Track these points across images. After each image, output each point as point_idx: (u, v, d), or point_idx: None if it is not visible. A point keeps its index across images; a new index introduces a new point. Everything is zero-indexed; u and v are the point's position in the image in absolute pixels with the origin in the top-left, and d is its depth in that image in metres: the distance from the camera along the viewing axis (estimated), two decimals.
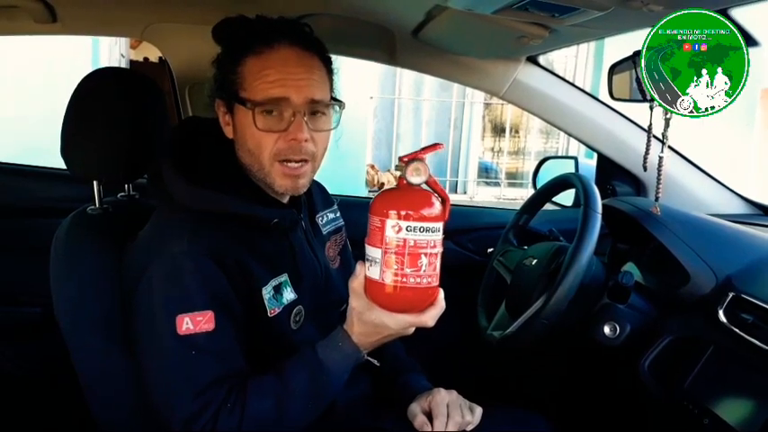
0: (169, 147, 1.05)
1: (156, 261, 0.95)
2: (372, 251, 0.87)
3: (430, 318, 0.91)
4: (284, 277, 1.02)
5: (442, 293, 0.91)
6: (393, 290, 0.86)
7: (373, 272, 0.87)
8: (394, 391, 1.14)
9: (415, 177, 0.86)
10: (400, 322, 0.90)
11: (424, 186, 0.87)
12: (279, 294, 1.01)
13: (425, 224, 0.84)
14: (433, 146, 0.89)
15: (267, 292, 0.99)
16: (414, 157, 0.86)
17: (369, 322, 0.91)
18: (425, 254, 0.84)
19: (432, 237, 0.85)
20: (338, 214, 1.24)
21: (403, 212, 0.84)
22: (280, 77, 0.97)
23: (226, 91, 1.01)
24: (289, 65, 0.98)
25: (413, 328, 0.93)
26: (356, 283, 0.92)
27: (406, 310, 0.89)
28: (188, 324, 0.91)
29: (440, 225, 0.85)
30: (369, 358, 0.99)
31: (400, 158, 0.88)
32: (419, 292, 0.86)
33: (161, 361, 0.94)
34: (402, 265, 0.84)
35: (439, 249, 0.86)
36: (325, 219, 1.20)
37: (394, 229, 0.84)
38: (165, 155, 1.03)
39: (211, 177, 0.99)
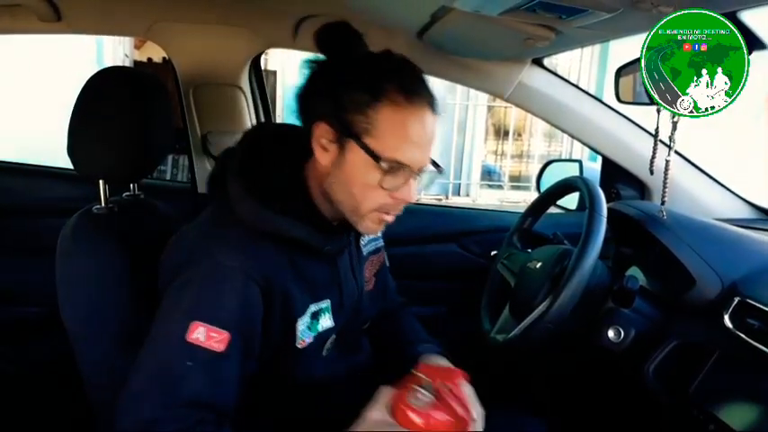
0: (238, 161, 0.98)
1: (203, 263, 0.91)
2: None
3: None
4: (326, 303, 1.00)
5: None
6: None
7: None
8: (406, 356, 1.12)
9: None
10: None
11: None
12: (315, 321, 0.99)
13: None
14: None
15: (303, 322, 0.97)
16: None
17: None
18: None
19: None
20: (380, 234, 1.17)
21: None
22: (418, 145, 0.92)
23: (344, 124, 0.91)
24: (426, 131, 0.92)
25: None
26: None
27: None
28: (199, 333, 0.87)
29: None
30: None
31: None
32: None
33: (156, 356, 0.89)
34: None
35: None
36: (367, 238, 1.16)
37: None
38: (232, 170, 0.97)
39: (280, 198, 0.94)
